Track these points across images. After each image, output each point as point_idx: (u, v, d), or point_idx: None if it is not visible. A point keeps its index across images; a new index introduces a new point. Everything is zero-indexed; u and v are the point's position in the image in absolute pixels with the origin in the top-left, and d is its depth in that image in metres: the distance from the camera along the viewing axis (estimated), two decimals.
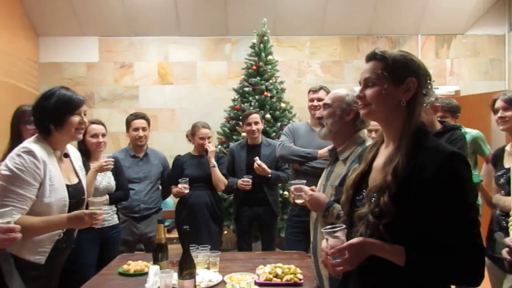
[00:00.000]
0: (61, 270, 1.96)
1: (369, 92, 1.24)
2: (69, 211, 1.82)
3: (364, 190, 1.27)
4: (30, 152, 1.72)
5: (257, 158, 3.23)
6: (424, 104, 1.23)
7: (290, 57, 5.24)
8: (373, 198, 1.17)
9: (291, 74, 5.22)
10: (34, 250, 1.73)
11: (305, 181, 1.99)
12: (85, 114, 1.95)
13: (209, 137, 3.31)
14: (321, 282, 1.82)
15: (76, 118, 1.88)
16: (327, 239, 1.22)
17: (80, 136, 1.96)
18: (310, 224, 1.98)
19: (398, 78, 1.20)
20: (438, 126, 2.56)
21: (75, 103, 1.88)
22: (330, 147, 2.77)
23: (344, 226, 1.23)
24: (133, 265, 2.20)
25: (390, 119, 1.24)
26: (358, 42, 5.29)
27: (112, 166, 2.68)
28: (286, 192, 3.97)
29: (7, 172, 1.68)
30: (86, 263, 2.52)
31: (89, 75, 5.15)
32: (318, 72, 5.27)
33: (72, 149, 2.08)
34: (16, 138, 2.26)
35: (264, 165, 3.22)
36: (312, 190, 1.90)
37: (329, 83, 5.00)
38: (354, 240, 1.15)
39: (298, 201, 1.94)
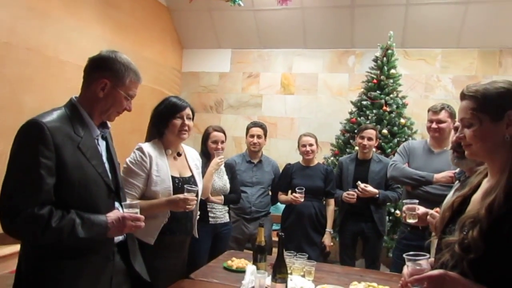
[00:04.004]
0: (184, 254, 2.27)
1: (467, 132, 1.19)
2: None
3: (459, 217, 1.22)
4: (139, 149, 2.13)
5: (359, 182, 3.19)
6: None
7: (418, 71, 4.96)
8: (465, 230, 1.13)
9: (417, 88, 4.94)
10: (145, 233, 2.02)
11: (417, 201, 1.99)
12: (189, 118, 2.20)
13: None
14: None
15: (178, 121, 2.17)
16: (407, 266, 1.22)
17: (185, 137, 2.20)
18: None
19: (494, 113, 1.14)
20: None
21: (177, 108, 2.18)
22: (448, 172, 2.61)
23: (428, 255, 1.21)
24: (236, 262, 2.39)
25: (493, 155, 1.17)
26: (500, 56, 4.73)
27: (223, 162, 2.93)
28: (397, 211, 3.81)
29: (124, 165, 2.10)
30: (199, 252, 2.81)
31: (221, 84, 5.68)
32: (449, 87, 4.88)
33: (190, 150, 2.39)
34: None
35: (369, 188, 3.16)
36: (437, 212, 1.88)
37: None
38: (435, 272, 1.12)
39: (410, 221, 1.95)
